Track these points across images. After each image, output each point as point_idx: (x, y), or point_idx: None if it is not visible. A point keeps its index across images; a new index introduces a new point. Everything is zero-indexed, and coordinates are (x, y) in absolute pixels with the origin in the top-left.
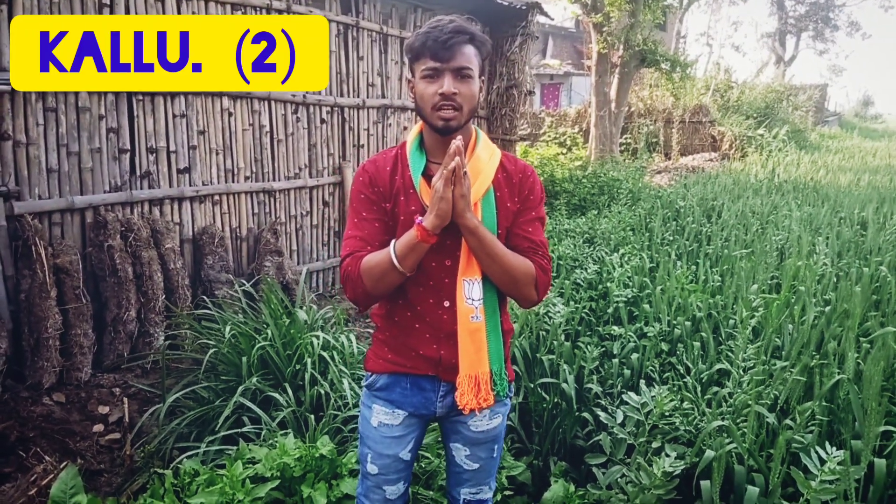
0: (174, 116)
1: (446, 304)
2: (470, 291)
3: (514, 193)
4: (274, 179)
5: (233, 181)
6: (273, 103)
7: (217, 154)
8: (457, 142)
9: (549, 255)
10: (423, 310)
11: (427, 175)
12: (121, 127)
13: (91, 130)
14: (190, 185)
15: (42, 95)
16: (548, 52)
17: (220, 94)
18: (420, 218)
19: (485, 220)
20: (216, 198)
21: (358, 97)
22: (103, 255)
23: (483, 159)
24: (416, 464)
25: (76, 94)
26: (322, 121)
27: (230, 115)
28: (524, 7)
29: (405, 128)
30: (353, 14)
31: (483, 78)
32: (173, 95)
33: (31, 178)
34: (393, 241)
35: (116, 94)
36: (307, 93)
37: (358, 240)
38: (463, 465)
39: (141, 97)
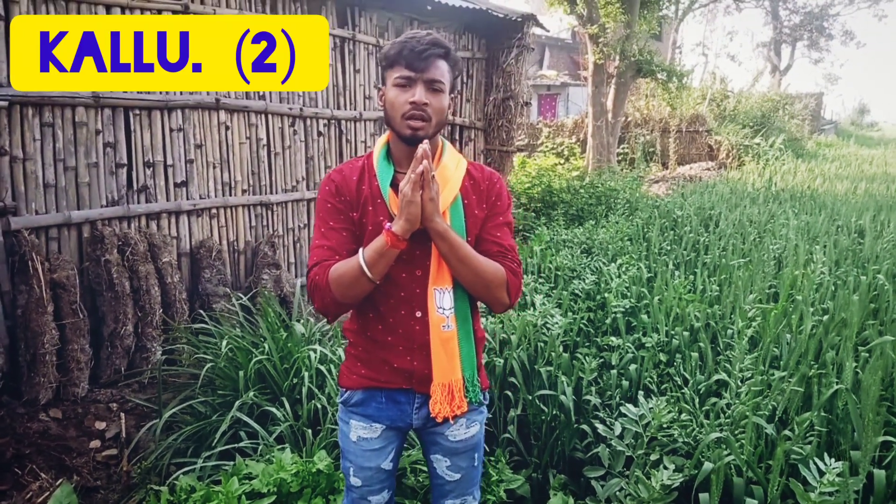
0: (171, 130)
1: (418, 314)
2: (441, 300)
3: (481, 200)
4: (271, 192)
5: (230, 194)
6: (270, 116)
7: (214, 167)
8: (423, 145)
9: (518, 259)
10: (395, 322)
11: (395, 185)
12: (118, 141)
13: (88, 145)
14: (187, 199)
15: (39, 110)
16: (544, 63)
17: (217, 108)
18: (389, 224)
19: (454, 228)
20: (213, 211)
21: (355, 110)
22: (100, 269)
23: (450, 167)
24: (413, 479)
25: (73, 108)
26: (319, 133)
27: (227, 128)
28: (520, 19)
29: None
30: (349, 27)
31: (453, 95)
32: (170, 109)
33: (28, 193)
34: (361, 248)
35: (113, 108)
36: (304, 106)
37: (325, 249)
38: (445, 477)
39: (138, 111)
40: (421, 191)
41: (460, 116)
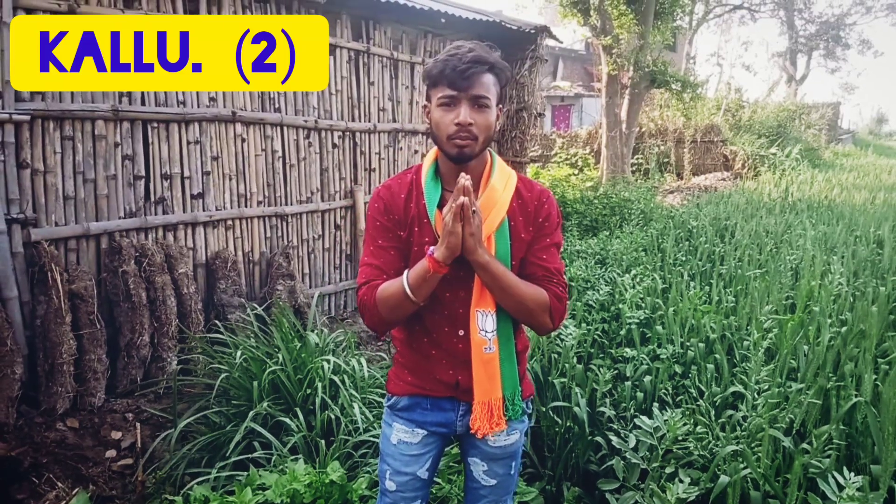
0: (188, 143)
1: (461, 332)
2: (483, 323)
3: (528, 223)
4: (286, 204)
5: (245, 206)
6: (285, 129)
7: (230, 179)
8: (464, 180)
9: (564, 282)
10: (439, 337)
11: (441, 206)
12: (136, 154)
13: (107, 158)
14: (203, 211)
15: (60, 124)
16: (558, 74)
17: (234, 121)
18: (432, 248)
19: (498, 253)
20: (229, 222)
21: (369, 121)
22: (118, 280)
23: (498, 189)
24: (448, 487)
25: (93, 122)
26: (334, 145)
27: (243, 140)
28: (533, 31)
29: (416, 151)
30: (363, 40)
31: (501, 105)
32: (188, 122)
33: (48, 205)
34: (406, 270)
35: (132, 121)
36: (319, 118)
37: (374, 268)
38: (481, 481)
39: (156, 124)
40: (461, 223)
41: None
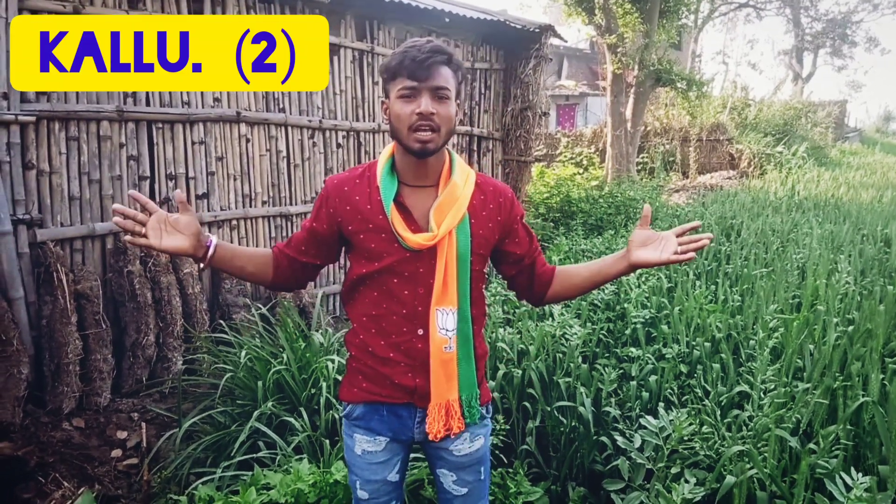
0: (193, 143)
1: (420, 332)
2: (444, 321)
3: (490, 218)
4: (291, 204)
5: (250, 206)
6: (290, 129)
7: (235, 180)
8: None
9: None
10: (398, 339)
11: (398, 201)
12: (141, 154)
13: (112, 158)
14: (208, 211)
15: (65, 125)
16: (563, 73)
17: (238, 121)
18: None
19: (460, 248)
20: (234, 222)
21: (374, 121)
22: (123, 280)
23: (459, 185)
24: (431, 490)
25: (98, 122)
26: (338, 145)
27: (248, 141)
28: (537, 30)
29: None
30: (367, 40)
31: (458, 101)
32: (192, 122)
33: (54, 205)
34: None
35: (137, 122)
36: (323, 118)
37: (291, 239)
38: (452, 492)
39: (160, 125)
40: None
41: (478, 127)
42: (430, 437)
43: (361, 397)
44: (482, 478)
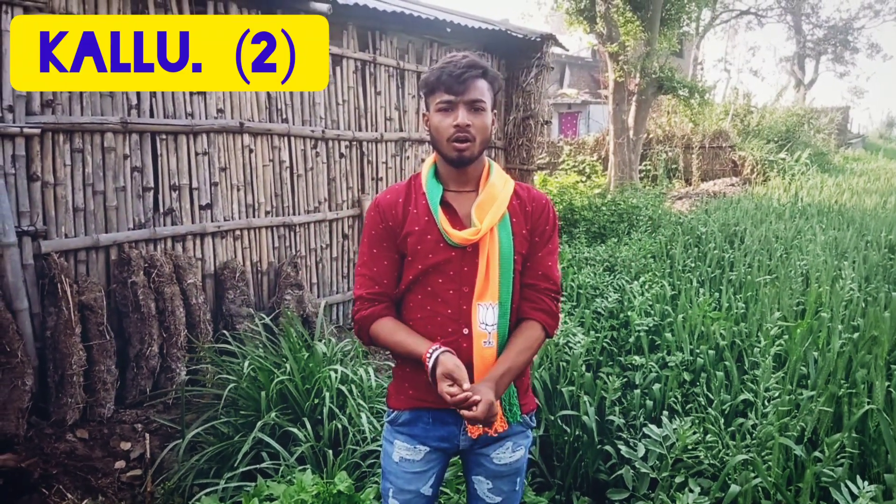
0: (196, 154)
1: (465, 331)
2: (484, 316)
3: (527, 221)
4: (294, 214)
5: (254, 216)
6: (293, 139)
7: (238, 190)
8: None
9: (560, 290)
10: (444, 341)
11: (444, 203)
12: (145, 166)
13: (116, 170)
14: (212, 221)
15: (70, 136)
16: (565, 81)
17: (241, 132)
18: (434, 352)
19: (502, 246)
20: (237, 233)
21: (376, 131)
22: (127, 291)
23: (497, 186)
24: (457, 498)
25: (102, 134)
26: (341, 155)
27: (251, 151)
28: (539, 39)
29: (422, 160)
30: (370, 50)
31: (495, 111)
32: (196, 133)
33: (58, 217)
34: (435, 352)
35: (141, 133)
36: (326, 128)
37: (367, 278)
38: (485, 499)
39: (164, 136)
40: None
41: None
42: (470, 434)
43: (408, 404)
44: (517, 488)
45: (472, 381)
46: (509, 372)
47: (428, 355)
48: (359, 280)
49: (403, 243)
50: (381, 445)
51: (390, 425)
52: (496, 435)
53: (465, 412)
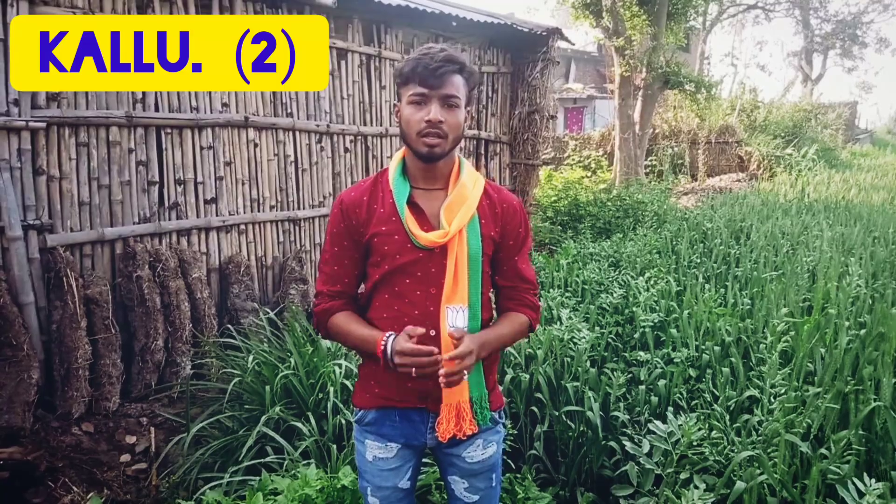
0: (201, 148)
1: (432, 332)
2: (454, 319)
3: (496, 222)
4: (299, 208)
5: (258, 210)
6: (298, 133)
7: (243, 184)
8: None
9: (538, 287)
10: None
11: (412, 202)
12: (150, 160)
13: (121, 164)
14: (217, 216)
15: (75, 131)
16: (570, 76)
17: (246, 126)
18: (389, 337)
19: (471, 248)
20: (242, 227)
21: (381, 126)
22: (132, 285)
23: (468, 186)
24: (438, 496)
25: (107, 128)
26: (346, 149)
27: (256, 145)
28: (545, 33)
29: None
30: (375, 45)
31: (469, 108)
32: (201, 128)
33: (64, 211)
34: (387, 338)
35: (146, 127)
36: (331, 122)
37: (328, 276)
38: (463, 499)
39: (169, 130)
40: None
41: (486, 130)
42: (439, 438)
43: (374, 402)
44: (493, 485)
45: (440, 393)
46: (498, 339)
47: (383, 341)
48: (321, 276)
49: (370, 243)
50: None
51: (358, 425)
52: (465, 438)
53: (445, 365)
